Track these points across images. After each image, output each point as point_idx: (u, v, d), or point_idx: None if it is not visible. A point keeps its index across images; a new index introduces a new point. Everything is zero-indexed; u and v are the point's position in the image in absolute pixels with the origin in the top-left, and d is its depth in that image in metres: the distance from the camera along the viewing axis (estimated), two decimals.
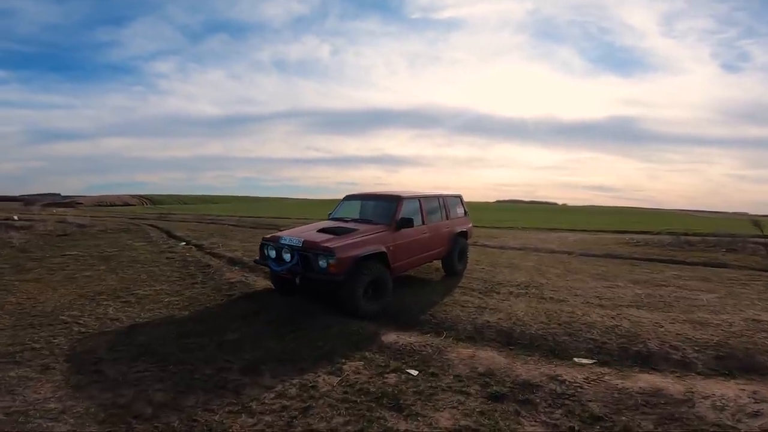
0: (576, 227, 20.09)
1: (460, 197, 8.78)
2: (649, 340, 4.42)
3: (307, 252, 5.36)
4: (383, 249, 5.71)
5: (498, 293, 6.77)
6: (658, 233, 16.87)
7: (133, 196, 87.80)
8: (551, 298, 6.40)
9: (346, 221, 6.65)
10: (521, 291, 6.88)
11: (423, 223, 7.03)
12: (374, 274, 5.44)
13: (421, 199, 7.14)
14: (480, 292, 6.82)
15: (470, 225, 8.81)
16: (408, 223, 6.23)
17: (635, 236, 15.92)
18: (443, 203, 7.85)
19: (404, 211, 6.41)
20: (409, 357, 4.17)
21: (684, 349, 4.19)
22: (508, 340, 4.73)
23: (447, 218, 7.89)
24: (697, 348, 4.20)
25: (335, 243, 5.27)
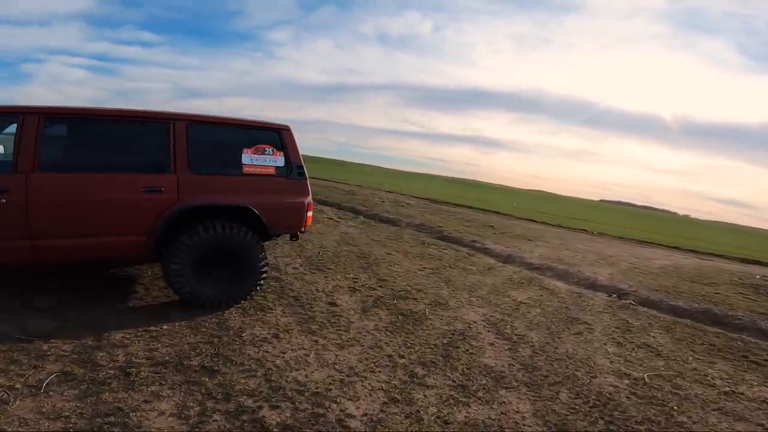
0: (683, 245, 12.51)
1: (278, 132, 3.63)
2: None
3: None
4: None
5: None
6: None
7: None
8: None
9: None
10: None
11: None
12: None
13: None
14: None
15: (295, 199, 3.69)
16: None
17: None
18: (156, 133, 3.22)
19: None
20: None
21: None
22: None
23: (174, 170, 3.18)
24: None
25: None
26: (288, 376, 2.47)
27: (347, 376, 2.58)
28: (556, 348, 3.52)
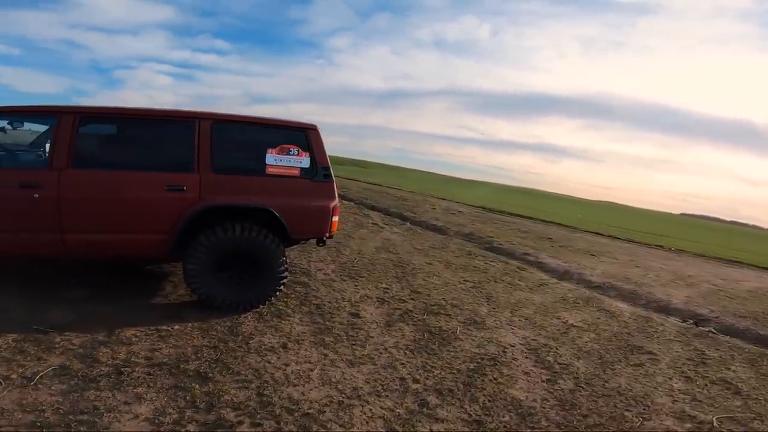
0: None
1: (305, 132, 3.50)
2: None
3: None
4: None
5: None
6: None
7: None
8: None
9: None
10: None
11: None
12: None
13: None
14: None
15: (320, 203, 3.56)
16: None
17: None
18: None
19: None
20: None
21: None
22: None
23: (197, 169, 3.27)
24: None
25: None
26: (282, 392, 2.27)
27: (348, 398, 2.32)
28: (606, 381, 3.00)
